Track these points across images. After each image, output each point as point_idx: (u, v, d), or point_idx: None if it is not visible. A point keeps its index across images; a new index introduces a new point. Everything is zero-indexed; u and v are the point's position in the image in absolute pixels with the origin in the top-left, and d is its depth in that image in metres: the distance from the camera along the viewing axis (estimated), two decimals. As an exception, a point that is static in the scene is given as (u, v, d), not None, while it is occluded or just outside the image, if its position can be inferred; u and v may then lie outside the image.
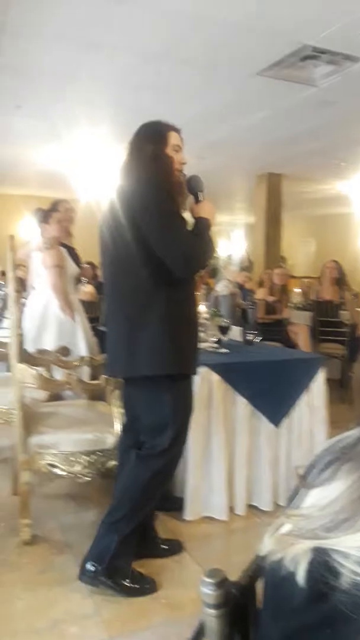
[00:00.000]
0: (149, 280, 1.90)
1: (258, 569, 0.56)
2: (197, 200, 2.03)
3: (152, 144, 1.99)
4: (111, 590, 1.97)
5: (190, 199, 2.05)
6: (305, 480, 0.52)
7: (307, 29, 3.63)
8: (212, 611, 0.51)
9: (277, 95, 4.85)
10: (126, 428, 2.22)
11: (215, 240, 2.08)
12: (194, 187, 2.03)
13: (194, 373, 2.09)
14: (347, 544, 0.40)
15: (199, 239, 1.94)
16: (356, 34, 3.64)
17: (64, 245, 3.60)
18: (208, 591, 0.51)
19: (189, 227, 1.96)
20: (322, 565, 0.41)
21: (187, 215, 2.04)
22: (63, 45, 3.89)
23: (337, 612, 0.39)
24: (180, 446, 2.07)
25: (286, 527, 0.47)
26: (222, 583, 0.51)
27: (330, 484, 0.47)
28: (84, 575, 1.99)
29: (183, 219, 1.94)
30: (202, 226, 1.97)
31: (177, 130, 2.05)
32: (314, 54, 4.02)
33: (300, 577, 0.42)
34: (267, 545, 0.47)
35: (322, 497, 0.47)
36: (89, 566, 1.98)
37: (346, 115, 5.36)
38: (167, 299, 1.91)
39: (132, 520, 2.00)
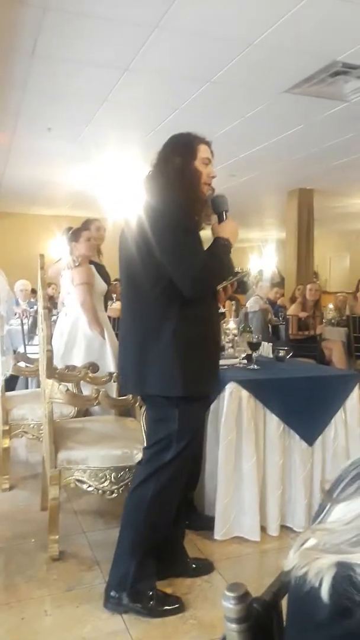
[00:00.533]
0: (159, 299, 1.86)
1: (283, 585, 0.53)
2: (220, 220, 1.99)
3: (180, 156, 1.93)
4: (138, 614, 1.94)
5: (214, 217, 2.01)
6: (331, 495, 0.50)
7: (336, 45, 3.64)
8: (234, 626, 0.49)
9: (308, 111, 4.86)
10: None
11: (231, 260, 1.99)
12: (218, 206, 1.99)
13: (209, 394, 2.04)
14: None
15: (212, 258, 1.88)
16: (385, 48, 3.62)
17: (93, 263, 3.65)
18: (229, 605, 0.49)
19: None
20: (346, 580, 0.39)
21: (208, 232, 2.01)
22: (95, 69, 4.00)
23: None
24: (182, 466, 1.98)
25: (311, 542, 0.45)
26: (243, 597, 0.49)
27: (356, 498, 0.45)
28: (108, 602, 1.97)
29: (198, 238, 1.88)
30: (219, 246, 1.92)
31: (207, 143, 2.00)
32: (344, 70, 4.01)
33: (325, 592, 0.40)
34: (291, 560, 0.45)
35: (347, 511, 0.45)
36: (112, 593, 1.96)
37: (377, 129, 5.32)
38: (178, 319, 1.86)
39: (143, 543, 1.96)
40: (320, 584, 0.41)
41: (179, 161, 1.93)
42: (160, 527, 2.01)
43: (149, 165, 2.01)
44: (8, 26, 3.39)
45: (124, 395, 2.33)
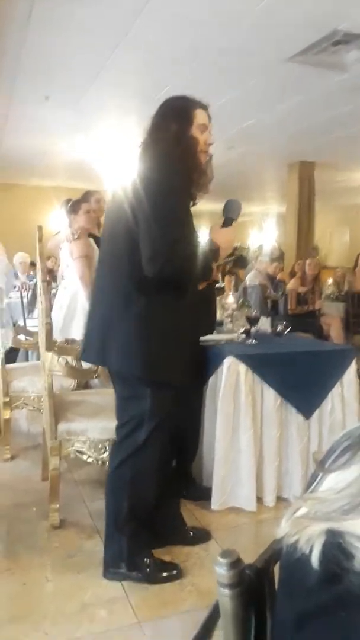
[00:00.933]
0: (136, 273, 1.75)
1: (275, 552, 0.55)
2: (224, 224, 1.96)
3: (175, 123, 1.84)
4: (136, 581, 1.99)
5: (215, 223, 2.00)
6: (323, 465, 0.51)
7: (338, 14, 3.55)
8: (226, 591, 0.51)
9: (308, 81, 4.76)
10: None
11: (211, 269, 1.89)
12: (229, 211, 1.96)
13: (175, 382, 1.91)
14: None
15: (193, 253, 1.77)
16: (390, 16, 3.53)
17: (92, 236, 3.63)
18: (222, 571, 0.51)
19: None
20: (336, 547, 0.40)
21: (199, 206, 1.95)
22: (92, 36, 3.90)
23: (352, 594, 0.38)
24: (158, 444, 1.94)
25: (302, 511, 0.47)
26: (235, 563, 0.51)
27: (347, 468, 0.46)
28: (107, 572, 2.02)
29: (187, 213, 1.79)
30: (208, 250, 1.87)
31: (204, 107, 1.90)
32: (346, 39, 3.92)
33: (315, 558, 0.42)
34: (283, 528, 0.47)
35: (338, 480, 0.46)
36: (109, 567, 2.02)
37: (380, 101, 5.22)
38: (152, 297, 1.78)
39: (128, 521, 1.98)
40: (310, 551, 0.42)
41: (175, 128, 1.84)
42: (143, 506, 2.00)
43: (144, 133, 1.92)
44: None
45: (83, 361, 2.31)
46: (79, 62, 4.40)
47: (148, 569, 1.99)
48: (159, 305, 1.81)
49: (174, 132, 1.84)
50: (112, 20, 3.67)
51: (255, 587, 0.53)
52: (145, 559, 2.00)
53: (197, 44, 4.03)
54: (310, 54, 4.15)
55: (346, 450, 0.49)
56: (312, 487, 0.50)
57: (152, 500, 2.03)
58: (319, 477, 0.50)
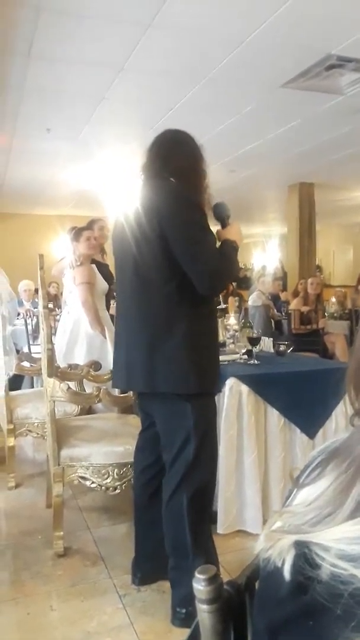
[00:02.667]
0: (173, 295, 1.83)
1: (256, 569, 0.56)
2: (223, 225, 1.99)
3: (191, 155, 1.94)
4: None
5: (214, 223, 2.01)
6: (298, 481, 0.52)
7: (330, 39, 3.64)
8: (204, 606, 0.51)
9: (304, 105, 4.85)
10: (142, 446, 2.16)
11: (237, 261, 2.04)
12: (220, 212, 2.00)
13: (217, 391, 2.02)
14: (327, 537, 0.40)
15: (225, 258, 1.89)
16: (381, 40, 3.61)
17: (97, 262, 3.69)
18: (199, 587, 0.52)
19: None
20: (303, 558, 0.41)
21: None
22: (91, 68, 4.02)
23: (317, 603, 0.39)
24: (207, 460, 1.94)
25: (277, 525, 0.48)
26: (213, 579, 0.52)
27: (317, 481, 0.48)
28: (176, 619, 1.91)
29: (213, 236, 1.88)
30: (229, 247, 1.92)
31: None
32: (339, 63, 4.01)
33: (286, 570, 0.42)
34: (259, 543, 0.48)
35: (309, 494, 0.47)
36: (179, 610, 1.91)
37: (376, 122, 5.31)
38: (190, 316, 1.85)
39: (200, 555, 1.90)
40: (283, 564, 0.43)
41: (193, 160, 1.93)
42: (206, 530, 1.97)
43: (150, 160, 1.96)
44: (3, 27, 3.41)
45: (119, 390, 2.32)
46: (78, 94, 4.52)
47: None
48: (197, 320, 1.88)
49: (189, 163, 1.92)
50: (110, 54, 3.78)
51: (235, 603, 0.53)
52: None
53: (194, 73, 4.13)
54: (305, 79, 4.25)
55: (318, 465, 0.50)
56: (288, 501, 0.52)
57: (208, 519, 2.00)
58: (293, 492, 0.51)
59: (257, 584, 0.50)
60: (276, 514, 0.50)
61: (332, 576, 0.39)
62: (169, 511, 1.92)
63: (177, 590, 1.91)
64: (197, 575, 0.52)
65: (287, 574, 0.42)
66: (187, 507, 1.88)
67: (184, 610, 1.88)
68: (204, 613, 0.52)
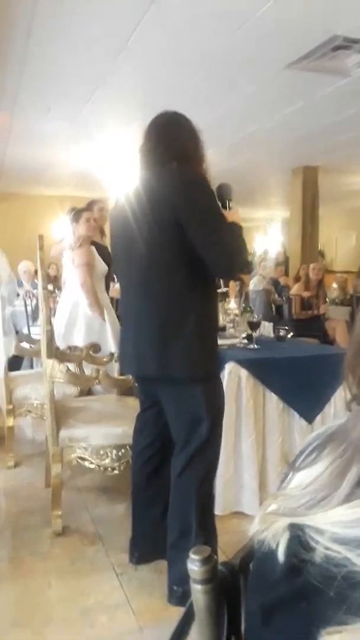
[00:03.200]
0: (185, 282, 1.83)
1: (251, 550, 0.56)
2: (225, 208, 1.97)
3: (197, 138, 1.93)
4: None
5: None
6: (294, 464, 0.52)
7: (337, 19, 3.56)
8: (199, 587, 0.52)
9: (309, 87, 4.78)
10: (141, 428, 2.17)
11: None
12: (223, 194, 1.98)
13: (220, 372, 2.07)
14: (322, 520, 0.40)
15: (241, 240, 1.89)
16: (388, 20, 3.54)
17: (96, 244, 3.66)
18: (194, 567, 0.52)
19: None
20: (297, 540, 0.41)
21: None
22: (92, 48, 3.94)
23: (310, 585, 0.39)
24: (217, 440, 1.99)
25: (272, 507, 0.47)
26: (208, 559, 0.52)
27: (313, 465, 0.47)
28: (172, 597, 1.92)
29: (226, 218, 1.88)
30: (238, 229, 1.91)
31: None
32: (345, 44, 3.93)
33: (281, 553, 0.42)
34: (255, 525, 0.47)
35: (304, 477, 0.47)
36: (176, 588, 1.93)
37: (382, 104, 5.23)
38: (200, 301, 1.87)
39: (202, 536, 1.92)
40: (277, 546, 0.43)
41: (192, 144, 1.91)
42: (210, 509, 2.00)
43: (148, 149, 1.93)
44: (2, 7, 3.35)
45: (124, 375, 2.34)
46: (79, 74, 4.44)
47: None
48: (206, 305, 1.90)
49: (195, 146, 1.92)
50: (111, 33, 3.71)
51: (229, 583, 0.53)
52: None
53: (197, 53, 4.06)
54: (310, 60, 4.17)
55: (315, 449, 0.50)
56: (283, 485, 0.51)
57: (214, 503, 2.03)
58: (289, 476, 0.51)
59: (251, 566, 0.50)
60: (271, 496, 0.50)
61: (325, 559, 0.38)
62: (178, 488, 1.93)
63: (175, 569, 1.93)
64: (191, 555, 0.52)
65: (281, 556, 0.42)
66: (198, 486, 1.91)
67: (181, 589, 1.89)
68: (198, 593, 0.52)
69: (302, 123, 5.84)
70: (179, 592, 1.90)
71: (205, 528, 1.93)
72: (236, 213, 1.98)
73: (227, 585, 0.53)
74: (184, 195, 1.79)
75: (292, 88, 4.78)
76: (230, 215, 1.95)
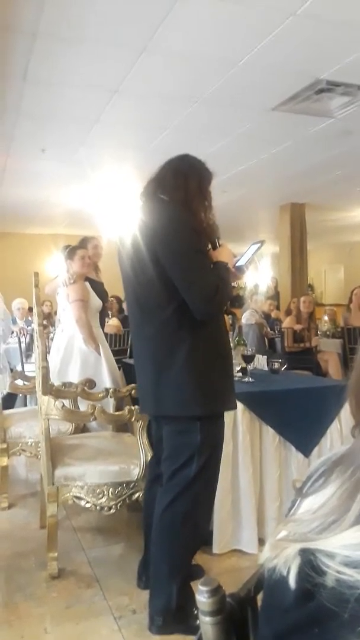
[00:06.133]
0: (173, 319, 1.84)
1: (258, 580, 0.56)
2: (214, 247, 2.01)
3: (198, 177, 1.94)
4: (186, 634, 1.87)
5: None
6: (301, 491, 0.53)
7: (320, 64, 3.74)
8: (207, 619, 0.52)
9: (295, 128, 4.95)
10: (152, 463, 2.19)
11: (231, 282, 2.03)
12: (212, 234, 2.00)
13: (229, 409, 2.01)
14: (333, 543, 0.41)
15: (220, 280, 1.87)
16: (369, 65, 3.71)
17: (91, 280, 3.71)
18: (203, 599, 0.52)
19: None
20: (309, 565, 0.42)
21: None
22: (85, 91, 4.09)
23: (323, 609, 0.39)
24: (209, 479, 1.97)
25: (282, 534, 0.48)
26: (215, 591, 0.52)
27: (322, 490, 0.48)
28: (153, 626, 1.91)
29: (208, 260, 1.90)
30: (222, 269, 1.92)
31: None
32: (329, 87, 4.11)
33: (292, 579, 0.43)
34: (264, 553, 0.48)
35: (313, 503, 0.48)
36: (157, 617, 1.91)
37: (365, 144, 5.42)
38: (192, 338, 1.85)
39: (183, 566, 1.93)
40: (288, 572, 0.43)
41: (197, 182, 1.93)
42: (195, 547, 1.99)
43: (152, 180, 1.98)
44: (0, 48, 3.48)
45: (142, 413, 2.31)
46: (73, 115, 4.59)
47: (198, 621, 1.88)
48: (200, 342, 1.87)
49: (197, 185, 1.93)
50: (105, 76, 3.86)
51: (237, 614, 0.54)
52: (195, 611, 1.85)
53: (187, 95, 4.22)
54: (296, 102, 4.35)
55: (322, 475, 0.51)
56: (292, 511, 0.52)
57: (201, 539, 2.02)
58: (297, 502, 0.52)
59: (261, 595, 0.50)
60: (281, 523, 0.50)
61: (337, 583, 0.39)
62: (162, 521, 1.94)
63: (156, 599, 1.93)
64: (200, 587, 0.53)
65: (292, 582, 0.43)
66: (182, 521, 1.90)
67: (161, 619, 1.91)
68: (206, 625, 0.52)
69: (289, 162, 6.02)
70: (159, 621, 1.91)
71: (179, 568, 1.92)
72: (224, 250, 1.99)
73: (235, 617, 0.53)
74: (163, 231, 1.82)
75: (279, 129, 4.96)
76: (218, 253, 1.97)
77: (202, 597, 0.52)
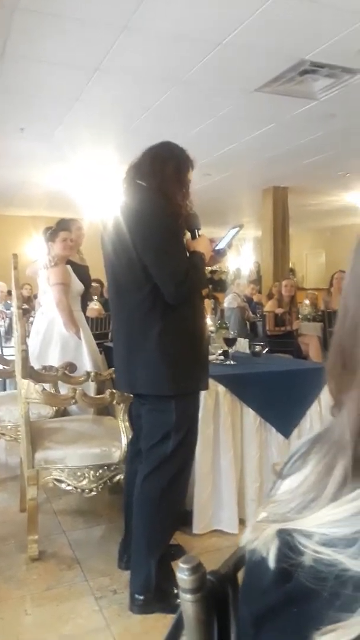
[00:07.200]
0: (147, 300, 1.89)
1: (238, 559, 0.56)
2: (193, 236, 2.03)
3: (177, 164, 1.95)
4: (166, 612, 1.90)
5: (187, 235, 2.05)
6: (281, 472, 0.52)
7: (304, 44, 3.69)
8: (188, 596, 0.51)
9: (278, 110, 4.91)
10: (133, 440, 2.23)
11: (205, 273, 2.07)
12: (192, 224, 2.03)
13: (201, 389, 2.07)
14: (310, 522, 0.40)
15: (194, 268, 1.91)
16: (353, 47, 3.69)
17: (73, 263, 3.65)
18: (183, 576, 0.52)
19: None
20: (286, 545, 0.41)
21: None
22: (65, 69, 3.99)
23: (301, 588, 0.39)
24: (185, 456, 2.02)
25: (262, 515, 0.48)
26: (196, 568, 0.52)
27: (300, 471, 0.48)
28: (134, 605, 1.94)
29: (183, 246, 1.93)
30: (198, 258, 1.96)
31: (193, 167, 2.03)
32: (313, 68, 4.07)
33: (271, 560, 0.42)
34: (246, 535, 0.48)
35: (292, 483, 0.48)
36: (137, 596, 1.94)
37: (348, 127, 5.41)
38: (165, 320, 1.90)
39: (161, 542, 1.97)
40: (267, 553, 0.43)
41: (174, 168, 1.94)
42: (173, 522, 2.04)
43: (132, 166, 2.00)
44: (-24, 27, 3.37)
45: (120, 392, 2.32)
46: (52, 94, 4.48)
47: (178, 599, 1.91)
48: (174, 323, 1.92)
49: (174, 171, 1.94)
50: (85, 54, 3.76)
51: (218, 592, 0.53)
52: (175, 590, 1.90)
53: (169, 76, 4.15)
54: (278, 83, 4.30)
55: (301, 456, 0.50)
56: (271, 492, 0.52)
57: (178, 516, 2.06)
58: (277, 484, 0.52)
59: (241, 575, 0.50)
60: (261, 505, 0.50)
61: (315, 561, 0.39)
62: (141, 494, 1.99)
63: (135, 577, 1.97)
64: (180, 565, 0.52)
65: (271, 562, 0.42)
66: (159, 496, 1.95)
67: (141, 597, 1.93)
68: (187, 602, 0.52)
69: (271, 145, 5.99)
70: (139, 600, 1.94)
71: (158, 544, 1.96)
72: (203, 241, 2.02)
73: (216, 594, 0.53)
74: (140, 216, 1.87)
75: (262, 110, 4.91)
76: (196, 243, 2.00)
77: (183, 574, 0.51)
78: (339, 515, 0.39)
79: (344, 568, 0.37)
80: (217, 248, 2.15)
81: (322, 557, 0.39)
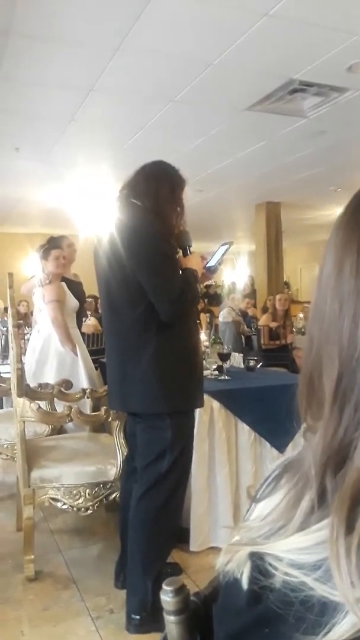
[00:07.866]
0: (141, 318, 1.90)
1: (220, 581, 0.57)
2: (185, 254, 2.06)
3: (171, 183, 1.98)
4: (163, 632, 1.90)
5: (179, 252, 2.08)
6: (255, 496, 0.54)
7: (293, 64, 3.77)
8: (172, 618, 0.53)
9: (269, 127, 5.00)
10: (127, 458, 2.23)
11: (198, 289, 2.09)
12: (183, 241, 2.06)
13: (196, 406, 2.08)
14: (280, 548, 0.42)
15: (187, 285, 1.93)
16: (340, 66, 3.77)
17: (67, 280, 3.68)
18: (167, 598, 0.53)
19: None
20: (257, 568, 0.43)
21: None
22: (60, 90, 4.06)
23: (271, 612, 0.41)
24: (181, 474, 2.02)
25: (235, 539, 0.49)
26: (180, 590, 0.53)
27: (272, 495, 0.50)
28: (130, 625, 1.93)
29: (176, 264, 1.95)
30: (191, 275, 1.98)
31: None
32: (302, 87, 4.15)
33: (244, 581, 0.44)
34: (220, 558, 0.49)
35: (263, 508, 0.49)
36: (134, 616, 1.93)
37: (337, 144, 5.50)
38: (158, 339, 1.90)
39: (157, 561, 1.97)
40: (241, 575, 0.45)
41: (169, 188, 1.97)
42: (169, 541, 2.04)
43: (126, 185, 2.03)
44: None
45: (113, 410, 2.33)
46: (47, 114, 4.55)
47: None
48: (167, 341, 1.93)
49: (168, 190, 1.97)
50: (79, 75, 3.83)
51: (201, 613, 0.55)
52: None
53: (162, 95, 4.22)
54: (268, 102, 4.38)
55: (274, 480, 0.52)
56: (246, 517, 0.54)
57: (175, 533, 2.05)
58: (251, 508, 0.54)
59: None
60: (235, 529, 0.52)
61: (283, 584, 0.41)
62: (138, 514, 1.98)
63: (132, 597, 1.96)
64: (164, 587, 0.54)
65: (244, 584, 0.44)
66: (155, 515, 1.95)
67: (138, 617, 1.93)
68: (171, 624, 0.53)
69: (263, 161, 6.07)
70: (136, 620, 1.93)
71: (154, 563, 1.96)
72: (194, 258, 2.05)
73: (199, 616, 0.55)
74: (134, 235, 1.88)
75: (253, 128, 5.00)
76: (188, 260, 2.03)
77: (167, 596, 0.53)
78: (305, 544, 0.41)
79: (309, 594, 0.39)
80: (207, 265, 2.18)
81: (290, 580, 0.41)
